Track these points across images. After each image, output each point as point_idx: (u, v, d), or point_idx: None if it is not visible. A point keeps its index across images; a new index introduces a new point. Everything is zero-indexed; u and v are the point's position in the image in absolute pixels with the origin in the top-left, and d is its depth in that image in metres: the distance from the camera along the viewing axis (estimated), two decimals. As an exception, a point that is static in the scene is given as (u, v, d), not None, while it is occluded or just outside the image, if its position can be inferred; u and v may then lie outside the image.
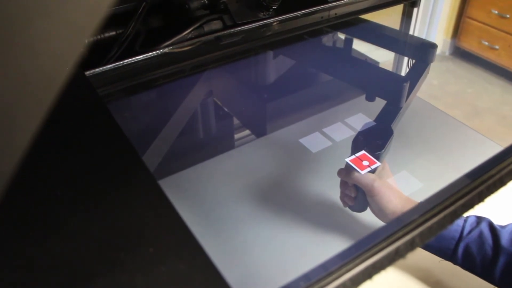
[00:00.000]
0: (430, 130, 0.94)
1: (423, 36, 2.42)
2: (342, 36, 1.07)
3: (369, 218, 0.69)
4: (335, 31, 1.05)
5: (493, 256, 0.59)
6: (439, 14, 2.38)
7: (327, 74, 1.03)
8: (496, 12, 2.21)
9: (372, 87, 0.84)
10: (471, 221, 0.63)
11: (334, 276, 0.32)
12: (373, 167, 0.65)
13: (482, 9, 2.28)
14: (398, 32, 1.11)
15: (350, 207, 0.71)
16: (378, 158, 0.67)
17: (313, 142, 0.89)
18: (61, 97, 0.21)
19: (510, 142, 0.48)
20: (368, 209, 0.68)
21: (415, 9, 1.10)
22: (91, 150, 0.43)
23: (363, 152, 0.67)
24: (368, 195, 0.65)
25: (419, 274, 0.68)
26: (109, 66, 0.66)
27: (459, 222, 0.63)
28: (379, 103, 0.79)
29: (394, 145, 0.72)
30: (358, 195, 0.68)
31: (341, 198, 0.71)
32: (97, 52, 0.67)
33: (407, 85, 0.78)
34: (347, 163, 0.66)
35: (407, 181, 0.78)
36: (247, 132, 1.06)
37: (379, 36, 0.96)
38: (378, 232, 0.36)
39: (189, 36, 0.74)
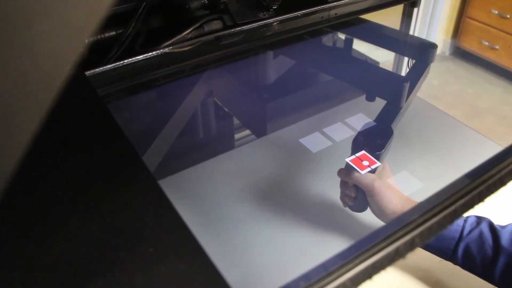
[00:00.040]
0: (430, 130, 0.94)
1: (423, 36, 2.42)
2: (342, 36, 1.07)
3: (369, 218, 0.69)
4: (335, 31, 1.05)
5: (493, 256, 0.59)
6: (439, 14, 2.38)
7: (327, 74, 1.03)
8: (496, 12, 2.21)
9: (372, 87, 0.84)
10: (471, 221, 0.63)
11: (334, 276, 0.32)
12: (373, 167, 0.65)
13: (482, 9, 2.28)
14: (398, 32, 1.11)
15: (350, 207, 0.71)
16: (378, 158, 0.67)
17: (313, 142, 0.89)
18: (61, 97, 0.21)
19: (510, 142, 0.48)
20: (368, 209, 0.68)
21: (415, 9, 1.10)
22: (91, 150, 0.43)
23: (363, 152, 0.67)
24: (368, 195, 0.65)
25: (419, 274, 0.68)
26: (109, 66, 0.66)
27: (459, 222, 0.63)
28: (379, 103, 0.79)
29: (394, 145, 0.72)
30: (358, 195, 0.68)
31: (341, 198, 0.71)
32: (97, 52, 0.67)
33: (407, 85, 0.78)
34: (347, 163, 0.66)
35: (407, 181, 0.78)
36: (247, 132, 1.06)
37: (379, 36, 0.95)
38: (378, 232, 0.36)
39: (189, 36, 0.74)
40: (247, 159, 0.86)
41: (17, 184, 0.37)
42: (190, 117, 0.90)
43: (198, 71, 0.85)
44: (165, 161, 0.80)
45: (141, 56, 0.69)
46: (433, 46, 0.89)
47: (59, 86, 0.20)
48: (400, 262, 0.35)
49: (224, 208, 0.75)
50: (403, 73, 1.17)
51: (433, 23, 2.40)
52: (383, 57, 1.15)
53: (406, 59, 1.12)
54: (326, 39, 1.07)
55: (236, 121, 1.03)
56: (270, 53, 1.00)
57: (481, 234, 0.61)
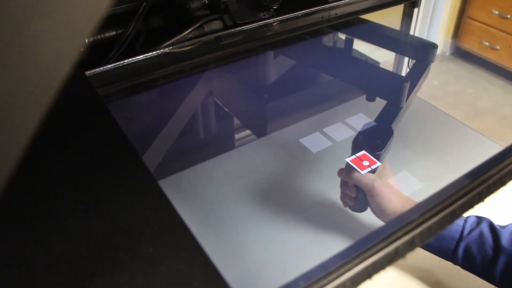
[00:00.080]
0: (431, 130, 0.94)
1: (423, 37, 2.42)
2: (342, 36, 1.07)
3: (369, 218, 0.69)
4: (335, 31, 1.05)
5: (494, 256, 0.59)
6: (440, 14, 2.38)
7: (327, 74, 1.03)
8: (497, 12, 2.21)
9: (372, 87, 0.84)
10: (471, 221, 0.63)
11: (333, 276, 0.32)
12: (373, 167, 0.65)
13: (483, 9, 2.28)
14: (399, 32, 1.11)
15: (350, 207, 0.71)
16: (378, 158, 0.67)
17: (314, 142, 0.89)
18: (61, 97, 0.21)
19: (510, 142, 0.48)
20: (368, 209, 0.68)
21: (416, 9, 1.10)
22: (91, 150, 0.43)
23: (363, 152, 0.67)
24: (368, 195, 0.64)
25: (419, 274, 0.68)
26: (109, 66, 0.66)
27: (459, 222, 0.63)
28: (380, 103, 0.79)
29: (394, 145, 0.72)
30: (358, 195, 0.67)
31: (341, 198, 0.71)
32: (97, 52, 0.67)
33: (407, 85, 0.78)
34: (347, 163, 0.66)
35: (407, 181, 0.78)
36: (248, 132, 1.06)
37: (379, 36, 0.95)
38: (378, 232, 0.36)
39: (190, 36, 0.74)
40: (247, 159, 0.86)
41: (17, 184, 0.37)
42: (190, 117, 0.90)
43: (198, 71, 0.85)
44: (165, 161, 0.80)
45: (141, 56, 0.69)
46: (434, 46, 0.89)
47: (59, 86, 0.20)
48: (400, 262, 0.35)
49: (224, 208, 0.75)
50: (403, 73, 1.17)
51: (434, 23, 2.40)
52: (384, 57, 1.15)
53: (406, 59, 1.12)
54: (327, 39, 1.07)
55: (236, 121, 1.03)
56: (270, 53, 1.00)
57: (481, 234, 0.61)
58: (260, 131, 0.97)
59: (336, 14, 0.90)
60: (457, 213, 0.39)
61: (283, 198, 0.77)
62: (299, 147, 0.88)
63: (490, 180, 0.42)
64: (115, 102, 0.72)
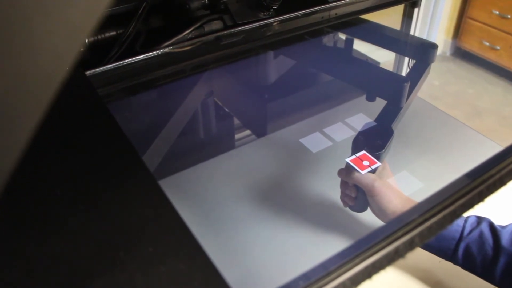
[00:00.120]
0: (431, 130, 0.94)
1: (423, 37, 2.42)
2: (342, 36, 1.07)
3: (369, 218, 0.69)
4: (335, 31, 1.05)
5: (494, 256, 0.59)
6: (440, 14, 2.38)
7: (327, 74, 1.03)
8: (497, 12, 2.21)
9: (372, 87, 0.84)
10: (471, 221, 0.63)
11: (333, 275, 0.32)
12: (373, 167, 0.65)
13: (483, 9, 2.28)
14: (399, 32, 1.11)
15: (350, 207, 0.71)
16: (378, 158, 0.67)
17: (314, 142, 0.89)
18: (61, 97, 0.21)
19: (510, 142, 0.48)
20: (368, 209, 0.68)
21: (416, 9, 1.10)
22: (91, 150, 0.43)
23: (363, 152, 0.67)
24: (368, 195, 0.64)
25: (420, 274, 0.68)
26: (109, 66, 0.66)
27: (459, 222, 0.63)
28: (380, 103, 0.79)
29: (394, 145, 0.72)
30: (358, 195, 0.67)
31: (341, 198, 0.71)
32: (97, 52, 0.67)
33: (407, 85, 0.78)
34: (347, 163, 0.66)
35: (407, 181, 0.78)
36: (248, 132, 1.06)
37: (379, 36, 0.95)
38: (378, 231, 0.36)
39: (190, 36, 0.74)
40: (247, 159, 0.86)
41: (17, 184, 0.37)
42: (190, 117, 0.90)
43: (199, 71, 0.85)
44: (165, 161, 0.80)
45: (142, 56, 0.69)
46: (434, 46, 0.89)
47: (59, 86, 0.20)
48: (400, 262, 0.35)
49: (224, 208, 0.75)
50: (403, 73, 1.17)
51: (434, 23, 2.40)
52: (384, 57, 1.15)
53: (406, 59, 1.12)
54: (327, 39, 1.07)
55: (236, 121, 1.03)
56: (271, 53, 1.00)
57: (481, 234, 0.61)
58: (260, 131, 0.97)
59: (336, 14, 0.90)
60: (457, 213, 0.39)
61: (283, 198, 0.77)
62: (299, 147, 0.88)
63: (490, 180, 0.42)
64: (115, 102, 0.72)
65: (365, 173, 0.64)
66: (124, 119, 0.78)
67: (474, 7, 2.33)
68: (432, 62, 0.88)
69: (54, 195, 0.37)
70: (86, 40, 0.66)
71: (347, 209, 0.72)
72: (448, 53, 2.55)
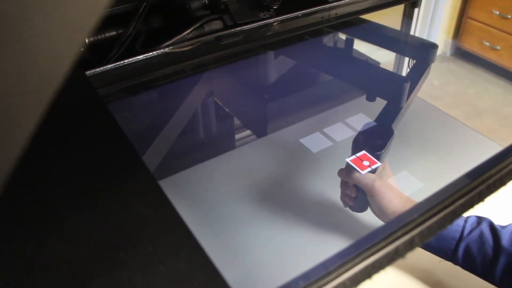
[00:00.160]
0: (431, 130, 0.94)
1: (424, 37, 2.42)
2: (342, 36, 1.07)
3: (369, 218, 0.69)
4: (335, 31, 1.05)
5: (494, 256, 0.59)
6: (440, 14, 2.38)
7: (327, 74, 1.03)
8: (497, 12, 2.21)
9: (372, 87, 0.84)
10: (471, 221, 0.63)
11: (333, 275, 0.32)
12: (373, 167, 0.65)
13: (483, 9, 2.28)
14: (399, 32, 1.11)
15: (350, 207, 0.71)
16: (378, 158, 0.67)
17: (314, 142, 0.89)
18: (61, 97, 0.21)
19: (510, 142, 0.48)
20: (368, 209, 0.68)
21: (416, 10, 1.10)
22: (91, 150, 0.43)
23: (363, 152, 0.67)
24: (368, 195, 0.64)
25: (420, 274, 0.68)
26: (109, 66, 0.66)
27: (459, 222, 0.63)
28: (380, 103, 0.79)
29: (394, 145, 0.72)
30: (358, 195, 0.67)
31: (342, 198, 0.71)
32: (97, 52, 0.67)
33: (407, 86, 0.78)
34: (347, 163, 0.66)
35: (407, 181, 0.78)
36: (248, 132, 1.06)
37: (379, 36, 0.95)
38: (378, 231, 0.36)
39: (190, 36, 0.74)
40: (248, 159, 0.86)
41: (17, 183, 0.37)
42: (190, 117, 0.90)
43: (199, 71, 0.85)
44: (165, 161, 0.80)
45: (142, 56, 0.69)
46: (434, 46, 0.89)
47: (59, 86, 0.20)
48: (400, 262, 0.35)
49: (224, 208, 0.75)
50: (403, 73, 1.17)
51: (434, 23, 2.40)
52: (384, 57, 1.15)
53: (406, 59, 1.12)
54: (327, 39, 1.07)
55: (236, 121, 1.03)
56: (271, 53, 1.00)
57: (481, 234, 0.61)
58: (260, 131, 0.97)
59: (336, 14, 0.90)
60: (457, 213, 0.39)
61: (283, 198, 0.77)
62: (299, 147, 0.88)
63: (490, 180, 0.42)
64: (115, 102, 0.72)
65: (365, 173, 0.64)
66: (124, 119, 0.78)
67: (474, 7, 2.33)
68: (432, 62, 0.88)
69: (54, 195, 0.37)
70: (86, 40, 0.67)
71: (347, 209, 0.72)
72: (448, 53, 2.55)
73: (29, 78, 0.19)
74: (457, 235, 0.62)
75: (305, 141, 0.89)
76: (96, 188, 0.38)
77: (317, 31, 0.91)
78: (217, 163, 0.85)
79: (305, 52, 0.96)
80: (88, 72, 0.64)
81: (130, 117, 0.84)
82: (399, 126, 0.77)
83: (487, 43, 2.30)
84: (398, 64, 1.19)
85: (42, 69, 0.19)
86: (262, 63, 1.02)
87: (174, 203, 0.36)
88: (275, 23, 0.83)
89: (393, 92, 0.79)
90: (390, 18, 1.12)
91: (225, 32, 0.78)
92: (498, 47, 2.26)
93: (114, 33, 0.70)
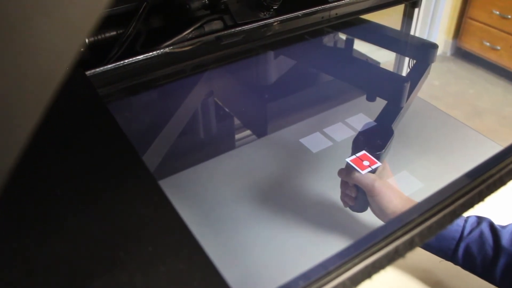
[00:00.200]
0: (431, 130, 0.94)
1: (424, 37, 2.42)
2: (343, 36, 1.07)
3: (369, 218, 0.69)
4: (335, 31, 1.05)
5: (494, 256, 0.59)
6: (440, 14, 2.38)
7: (327, 74, 1.03)
8: (498, 12, 2.21)
9: (372, 87, 0.84)
10: (471, 221, 0.63)
11: (333, 275, 0.32)
12: (373, 167, 0.65)
13: (484, 9, 2.28)
14: (399, 32, 1.11)
15: (350, 207, 0.71)
16: (378, 158, 0.67)
17: (314, 142, 0.89)
18: (61, 97, 0.21)
19: (510, 142, 0.48)
20: (368, 209, 0.68)
21: (416, 10, 1.10)
22: (91, 150, 0.43)
23: (363, 152, 0.67)
24: (368, 195, 0.64)
25: (420, 274, 0.68)
26: (109, 66, 0.66)
27: (459, 222, 0.63)
28: (380, 103, 0.79)
29: (394, 145, 0.72)
30: (358, 195, 0.67)
31: (342, 198, 0.71)
32: (98, 52, 0.67)
33: (407, 85, 0.78)
34: (347, 163, 0.66)
35: (407, 181, 0.78)
36: (248, 132, 1.06)
37: (380, 36, 0.95)
38: (378, 231, 0.36)
39: (190, 36, 0.74)
40: (248, 159, 0.86)
41: (17, 184, 0.37)
42: (190, 117, 0.90)
43: (199, 71, 0.85)
44: (165, 161, 0.80)
45: (142, 56, 0.69)
46: (434, 46, 0.89)
47: (59, 86, 0.20)
48: (400, 262, 0.35)
49: (224, 208, 0.75)
50: (403, 73, 1.17)
51: (434, 23, 2.40)
52: (384, 57, 1.15)
53: (407, 59, 1.12)
54: (327, 39, 1.07)
55: (236, 121, 1.03)
56: (271, 53, 1.00)
57: (481, 234, 0.61)
58: (260, 131, 0.97)
59: (336, 14, 0.90)
60: (457, 213, 0.39)
61: (283, 198, 0.77)
62: (299, 147, 0.88)
63: (490, 179, 0.42)
64: (115, 102, 0.72)
65: (365, 173, 0.64)
66: (124, 119, 0.78)
67: (474, 7, 2.33)
68: (432, 62, 0.88)
69: (54, 195, 0.37)
70: (86, 40, 0.67)
71: (347, 209, 0.72)
72: (448, 53, 2.55)
73: (29, 78, 0.19)
74: (457, 235, 0.62)
75: (305, 141, 0.89)
76: (96, 188, 0.38)
77: (317, 31, 0.91)
78: (217, 163, 0.85)
79: (305, 52, 0.96)
80: (88, 72, 0.64)
81: (130, 117, 0.84)
82: (399, 126, 0.77)
83: (487, 43, 2.30)
84: (398, 64, 1.19)
85: (42, 69, 0.19)
86: (262, 63, 1.02)
87: (174, 203, 0.36)
88: (275, 23, 0.83)
89: (393, 92, 0.79)
90: (390, 18, 1.12)
91: (225, 32, 0.78)
92: (498, 47, 2.26)
93: (114, 33, 0.70)
